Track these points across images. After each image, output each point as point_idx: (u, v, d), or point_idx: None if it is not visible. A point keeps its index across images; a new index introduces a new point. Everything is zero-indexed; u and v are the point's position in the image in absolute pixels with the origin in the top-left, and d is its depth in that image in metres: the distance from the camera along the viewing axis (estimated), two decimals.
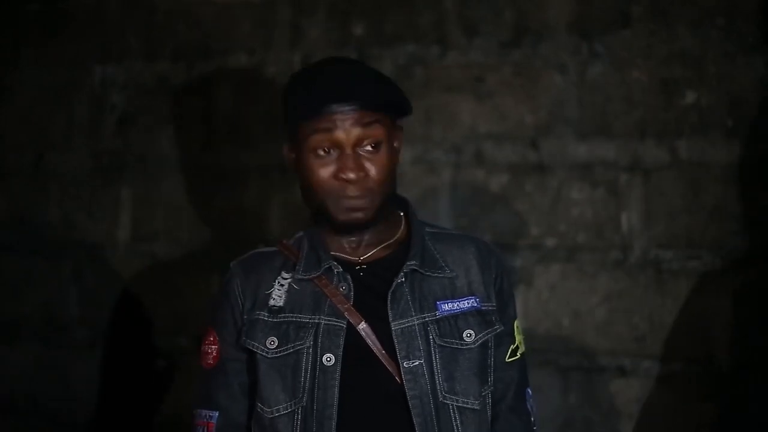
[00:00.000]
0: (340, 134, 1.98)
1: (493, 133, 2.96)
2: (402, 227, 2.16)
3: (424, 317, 2.03)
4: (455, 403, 2.00)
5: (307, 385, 1.99)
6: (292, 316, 2.04)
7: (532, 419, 2.17)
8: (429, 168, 3.00)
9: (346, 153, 1.99)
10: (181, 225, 3.30)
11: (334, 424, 1.96)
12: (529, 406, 2.17)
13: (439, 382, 2.00)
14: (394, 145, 2.07)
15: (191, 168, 3.30)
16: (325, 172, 2.00)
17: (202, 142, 3.29)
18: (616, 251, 2.90)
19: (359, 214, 2.02)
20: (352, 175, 1.98)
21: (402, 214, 2.18)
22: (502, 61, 2.96)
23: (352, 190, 2.00)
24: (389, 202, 2.11)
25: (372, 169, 2.01)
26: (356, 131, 1.99)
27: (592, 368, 2.91)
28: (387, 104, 2.05)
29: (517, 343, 2.15)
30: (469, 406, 2.02)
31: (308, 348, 2.00)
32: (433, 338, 2.02)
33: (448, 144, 2.98)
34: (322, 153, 2.00)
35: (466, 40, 3.01)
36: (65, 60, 3.44)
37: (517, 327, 2.17)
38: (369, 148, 2.01)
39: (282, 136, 3.11)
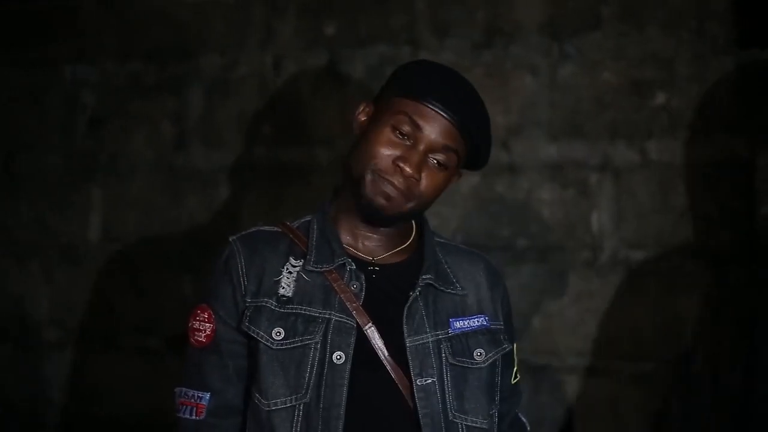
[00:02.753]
0: (425, 131, 1.94)
1: None
2: (413, 233, 2.10)
3: (438, 334, 1.98)
4: (464, 422, 1.97)
5: (312, 381, 1.92)
6: (301, 309, 1.96)
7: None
8: None
9: (417, 149, 1.94)
10: (152, 225, 3.29)
11: (341, 424, 1.90)
12: (524, 418, 2.18)
13: (450, 401, 1.96)
14: (452, 179, 2.03)
15: (163, 168, 3.29)
16: (388, 150, 1.93)
17: (174, 143, 3.29)
18: (587, 251, 2.91)
19: (386, 204, 1.95)
20: (408, 169, 1.92)
21: (413, 221, 2.11)
22: (473, 62, 2.96)
23: (397, 181, 1.94)
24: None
25: (425, 181, 1.95)
26: (439, 141, 1.94)
27: (563, 368, 2.93)
28: (475, 147, 2.01)
29: (516, 365, 2.14)
30: (477, 425, 1.99)
31: (316, 343, 1.93)
32: (445, 356, 1.98)
33: None
34: (398, 134, 1.94)
35: (438, 41, 3.01)
36: (37, 60, 3.43)
37: (515, 350, 2.14)
38: (435, 162, 1.96)
39: (256, 136, 3.16)
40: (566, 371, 2.92)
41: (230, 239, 2.04)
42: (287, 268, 2.00)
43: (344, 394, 1.91)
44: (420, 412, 1.93)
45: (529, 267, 2.94)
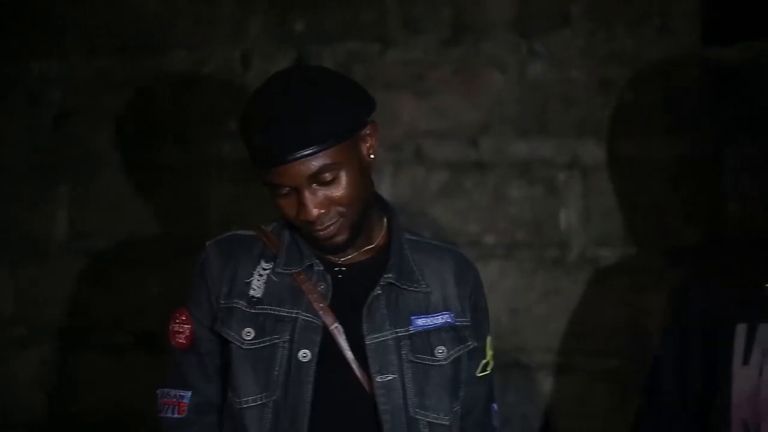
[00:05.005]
0: (290, 181, 1.91)
1: (432, 131, 2.97)
2: (383, 231, 2.11)
3: (398, 332, 2.01)
4: (425, 419, 2.00)
5: (280, 379, 1.97)
6: (270, 309, 2.01)
7: None
8: None
9: (302, 193, 1.92)
10: (119, 222, 3.26)
11: (307, 420, 1.95)
12: (494, 422, 2.18)
13: (410, 398, 1.99)
14: (365, 148, 1.99)
15: (131, 164, 3.27)
16: (290, 210, 1.95)
17: (142, 139, 3.26)
18: (555, 249, 2.92)
19: (336, 240, 1.98)
20: (310, 217, 1.93)
21: (385, 217, 2.12)
22: (442, 59, 2.97)
23: (318, 225, 1.94)
24: (370, 208, 2.04)
25: (336, 196, 1.94)
26: (306, 173, 1.90)
27: (531, 365, 2.93)
28: (334, 135, 1.92)
29: (488, 358, 2.15)
30: (439, 421, 2.01)
31: (284, 342, 1.98)
32: (405, 354, 2.00)
33: (388, 142, 2.97)
34: (284, 192, 1.94)
35: (407, 37, 3.01)
36: (2, 55, 3.39)
37: (489, 343, 2.16)
38: (327, 179, 1.92)
39: (224, 132, 3.15)
40: (535, 368, 2.93)
41: (207, 244, 2.10)
42: (258, 271, 2.05)
43: (310, 391, 1.96)
44: (380, 408, 1.97)
45: (497, 264, 2.95)
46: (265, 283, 2.03)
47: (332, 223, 1.96)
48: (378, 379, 1.97)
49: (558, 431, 2.93)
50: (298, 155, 1.89)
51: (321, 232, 1.96)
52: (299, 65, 2.35)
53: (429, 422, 2.01)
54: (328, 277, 2.03)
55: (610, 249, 2.89)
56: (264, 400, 1.97)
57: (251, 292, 2.02)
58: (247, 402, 1.98)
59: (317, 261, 2.04)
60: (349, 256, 2.07)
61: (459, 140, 2.96)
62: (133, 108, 3.26)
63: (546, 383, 2.93)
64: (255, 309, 2.01)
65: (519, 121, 2.94)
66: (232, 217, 3.03)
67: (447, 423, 2.03)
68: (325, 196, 1.93)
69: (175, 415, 2.06)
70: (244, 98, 3.06)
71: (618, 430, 2.85)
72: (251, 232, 2.11)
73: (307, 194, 1.92)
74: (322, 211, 1.94)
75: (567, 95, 2.92)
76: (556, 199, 2.92)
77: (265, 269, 2.05)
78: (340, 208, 1.95)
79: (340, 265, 2.06)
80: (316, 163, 1.91)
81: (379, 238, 2.10)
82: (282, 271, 2.03)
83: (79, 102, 3.31)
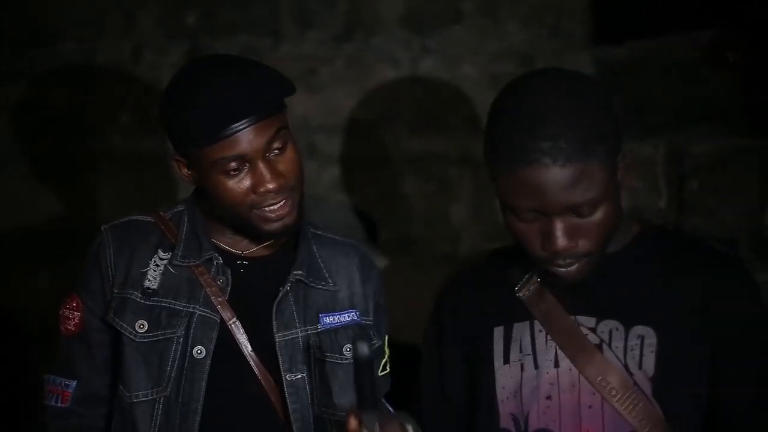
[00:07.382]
0: (246, 151, 1.85)
1: (325, 126, 2.98)
2: None
3: (307, 330, 1.99)
4: (333, 418, 1.98)
5: (173, 375, 1.93)
6: (166, 301, 1.96)
7: None
8: None
9: (258, 165, 1.86)
10: (8, 216, 3.21)
11: (198, 418, 1.91)
12: None
13: (318, 396, 1.98)
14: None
15: (20, 157, 3.22)
16: (242, 188, 1.87)
17: (33, 131, 3.22)
18: (447, 244, 2.94)
19: (286, 220, 1.91)
20: (271, 186, 1.86)
21: None
22: (334, 54, 2.98)
23: (273, 198, 1.88)
24: None
25: (286, 169, 1.89)
26: (261, 141, 1.85)
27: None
28: (280, 102, 1.91)
29: (386, 357, 2.14)
30: (344, 420, 2.01)
31: (179, 337, 1.93)
32: (314, 352, 1.99)
33: None
34: (233, 172, 1.87)
35: (299, 32, 3.01)
36: None
37: (387, 342, 2.16)
38: (277, 150, 1.88)
39: (114, 125, 3.12)
40: None
41: (102, 228, 2.02)
42: (155, 261, 1.99)
43: (203, 389, 1.92)
44: (290, 407, 1.95)
45: (390, 259, 2.96)
46: (161, 274, 1.97)
47: (285, 198, 1.90)
48: (288, 377, 1.95)
49: None
50: (246, 122, 1.83)
51: (276, 211, 1.90)
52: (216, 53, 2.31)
53: (335, 421, 1.98)
54: (228, 271, 1.99)
55: (500, 244, 2.91)
56: (155, 396, 1.93)
57: (146, 283, 1.97)
58: (137, 396, 1.93)
59: (216, 254, 1.99)
60: (252, 249, 2.03)
61: (352, 135, 2.97)
62: (23, 100, 3.21)
63: None
64: (150, 301, 1.95)
65: (411, 117, 2.96)
66: (123, 210, 2.99)
67: None
68: (277, 170, 1.88)
69: (59, 404, 1.99)
70: (135, 91, 3.11)
71: None
72: (150, 218, 2.05)
73: (262, 163, 1.86)
74: (281, 180, 1.88)
75: (458, 91, 2.94)
76: (447, 195, 2.94)
77: (162, 259, 1.99)
78: (290, 184, 1.90)
79: (243, 259, 2.02)
80: (274, 126, 1.87)
81: None
82: (179, 263, 1.98)
83: None
